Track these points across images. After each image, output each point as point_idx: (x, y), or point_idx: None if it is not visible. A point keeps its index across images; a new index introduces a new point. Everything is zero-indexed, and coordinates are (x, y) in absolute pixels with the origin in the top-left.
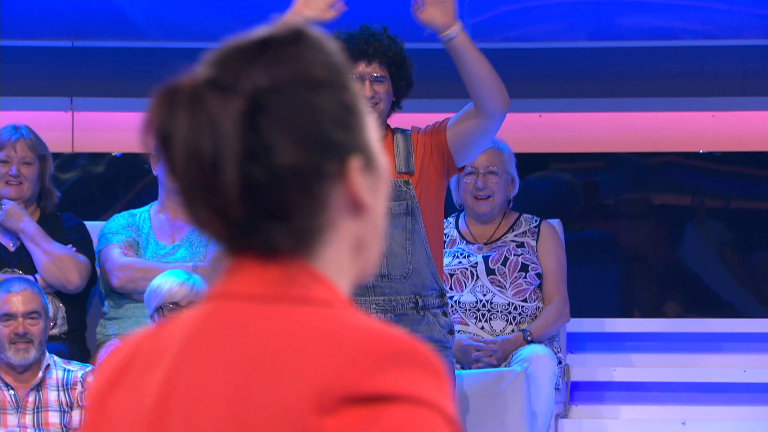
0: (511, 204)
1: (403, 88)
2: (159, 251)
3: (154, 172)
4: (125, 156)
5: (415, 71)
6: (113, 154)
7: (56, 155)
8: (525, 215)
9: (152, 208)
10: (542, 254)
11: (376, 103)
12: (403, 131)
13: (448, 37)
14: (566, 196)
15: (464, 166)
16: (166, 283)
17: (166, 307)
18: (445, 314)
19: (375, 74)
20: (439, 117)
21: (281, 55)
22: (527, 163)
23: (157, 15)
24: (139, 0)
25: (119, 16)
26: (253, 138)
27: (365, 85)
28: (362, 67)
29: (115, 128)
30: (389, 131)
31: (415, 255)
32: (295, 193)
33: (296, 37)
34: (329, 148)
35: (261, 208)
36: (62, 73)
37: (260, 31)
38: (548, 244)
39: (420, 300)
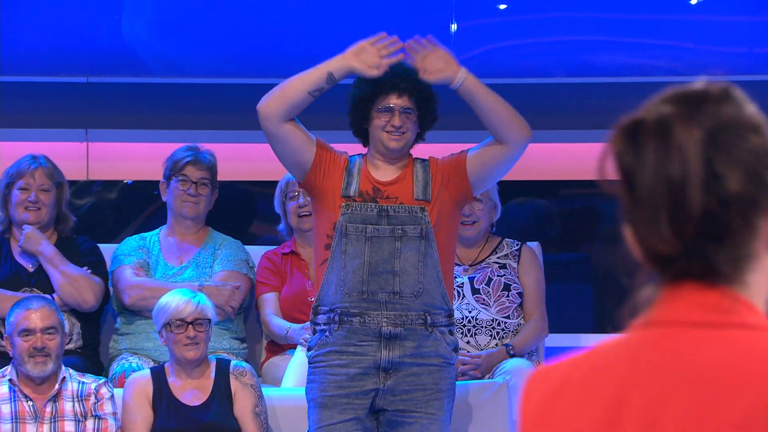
0: (494, 228)
1: (428, 121)
2: (168, 272)
3: (163, 198)
4: (136, 183)
5: (440, 107)
6: (125, 181)
7: (72, 182)
8: (507, 239)
9: (161, 231)
10: (523, 275)
11: (403, 133)
12: (423, 161)
13: (457, 85)
14: (544, 221)
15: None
16: (173, 300)
17: (173, 323)
18: (451, 333)
19: (405, 106)
20: (444, 147)
21: (724, 101)
22: (508, 190)
23: (164, 53)
24: (148, 40)
25: (130, 54)
26: (707, 166)
27: (395, 115)
28: (394, 99)
29: (127, 158)
30: (411, 160)
31: (427, 276)
32: (736, 220)
33: (728, 91)
34: (764, 184)
35: (706, 231)
36: (78, 107)
37: (696, 84)
38: (528, 265)
39: (429, 317)
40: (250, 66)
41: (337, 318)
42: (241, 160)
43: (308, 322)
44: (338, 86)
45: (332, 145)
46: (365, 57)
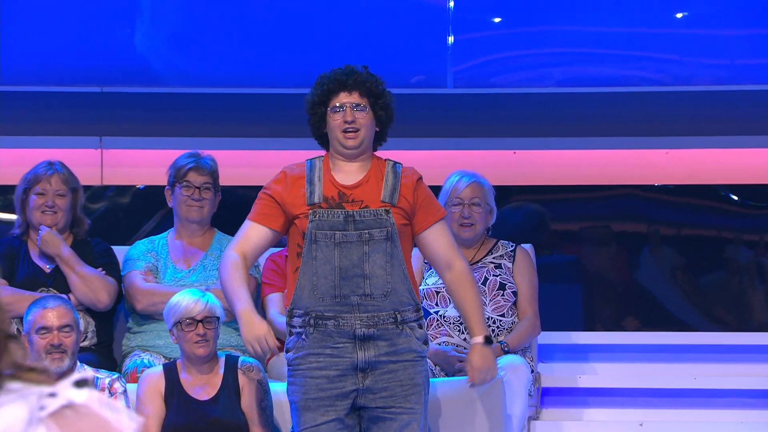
0: (490, 231)
1: (384, 119)
2: (176, 275)
3: (169, 205)
4: (148, 188)
5: (394, 104)
6: (137, 186)
7: (87, 188)
8: (502, 241)
9: (169, 234)
10: (517, 275)
11: (357, 129)
12: (395, 165)
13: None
14: (537, 224)
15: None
16: (184, 300)
17: (184, 322)
18: (420, 326)
19: (355, 102)
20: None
21: None
22: (503, 194)
23: (176, 64)
24: (160, 51)
25: (143, 65)
26: None
27: (346, 111)
28: (344, 97)
29: (139, 164)
30: (383, 161)
31: (394, 275)
32: None
33: None
34: None
35: None
36: (92, 116)
37: None
38: (522, 266)
39: (399, 315)
40: (257, 77)
41: (312, 321)
42: (247, 166)
43: None
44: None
45: (281, 171)
46: (251, 340)
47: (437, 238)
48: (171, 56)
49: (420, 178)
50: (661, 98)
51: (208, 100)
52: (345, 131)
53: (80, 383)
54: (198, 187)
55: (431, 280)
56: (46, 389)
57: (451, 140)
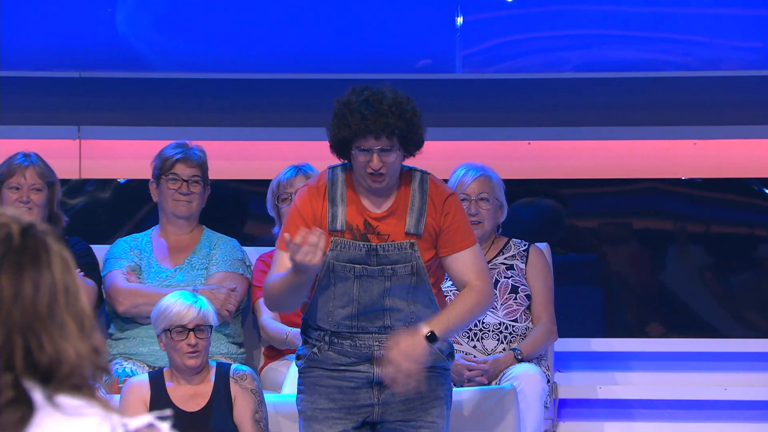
0: (500, 229)
1: (412, 146)
2: (160, 274)
3: (154, 199)
4: (131, 182)
5: (424, 130)
6: (119, 180)
7: (64, 181)
8: (514, 240)
9: (153, 231)
10: (531, 276)
11: (382, 174)
12: (423, 183)
13: (435, 345)
14: (553, 221)
15: None
16: (175, 305)
17: (174, 329)
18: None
19: (383, 147)
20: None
21: None
22: (515, 189)
23: (160, 47)
24: (144, 32)
25: (125, 48)
26: None
27: (373, 157)
28: (371, 142)
29: (121, 156)
30: (409, 175)
31: (418, 305)
32: None
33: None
34: None
35: None
36: (70, 103)
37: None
38: (536, 266)
39: None
40: (249, 61)
41: (327, 338)
42: (239, 158)
43: None
44: (338, 85)
45: (302, 187)
46: (300, 256)
47: (460, 265)
48: (156, 37)
49: (450, 195)
50: (687, 84)
51: (196, 85)
52: (371, 174)
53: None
54: (186, 180)
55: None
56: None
57: (458, 130)
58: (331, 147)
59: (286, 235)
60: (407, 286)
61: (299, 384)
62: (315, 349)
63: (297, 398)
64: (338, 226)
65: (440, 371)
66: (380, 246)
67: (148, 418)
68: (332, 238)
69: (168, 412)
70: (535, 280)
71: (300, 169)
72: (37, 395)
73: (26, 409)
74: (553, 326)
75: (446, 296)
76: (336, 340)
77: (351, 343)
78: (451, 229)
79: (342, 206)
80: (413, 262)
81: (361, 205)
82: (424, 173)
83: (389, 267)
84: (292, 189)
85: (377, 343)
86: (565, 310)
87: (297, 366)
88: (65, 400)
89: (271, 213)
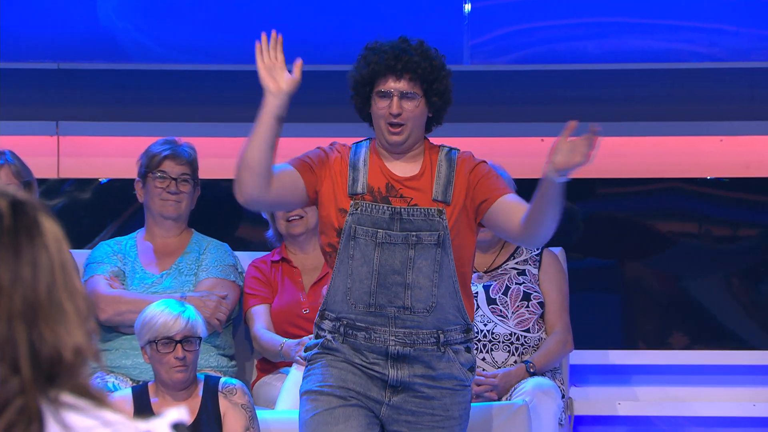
0: None
1: (438, 105)
2: (146, 280)
3: (140, 200)
4: (113, 182)
5: (452, 85)
6: (101, 180)
7: (41, 181)
8: None
9: (138, 235)
10: (544, 282)
11: (403, 124)
12: (450, 152)
13: (561, 179)
14: (568, 223)
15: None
16: (161, 315)
17: (160, 341)
18: (468, 350)
19: (404, 90)
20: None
21: None
22: (528, 189)
23: (148, 35)
24: (128, 19)
25: (107, 36)
26: None
27: (392, 101)
28: (391, 83)
29: (102, 153)
30: (436, 149)
31: (441, 288)
32: None
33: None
34: None
35: None
36: (47, 97)
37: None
38: (550, 271)
39: (442, 335)
40: (243, 51)
41: (342, 329)
42: (231, 156)
43: (305, 337)
44: (338, 74)
45: (332, 142)
46: (272, 72)
47: (509, 203)
48: (141, 25)
49: (478, 161)
50: (714, 76)
51: (186, 77)
52: (389, 124)
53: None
54: (175, 179)
55: None
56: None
57: (466, 125)
58: (352, 96)
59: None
60: (432, 260)
61: (307, 371)
62: (326, 341)
63: (302, 385)
64: (359, 189)
65: (458, 388)
66: (404, 210)
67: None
68: (352, 201)
69: (184, 417)
70: (549, 287)
71: None
72: (47, 409)
73: (37, 424)
74: (569, 336)
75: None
76: (350, 332)
77: (365, 335)
78: (487, 179)
79: (364, 169)
80: (440, 231)
81: (385, 168)
82: (453, 148)
83: (414, 234)
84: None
85: (393, 338)
86: (581, 319)
87: (305, 356)
88: (74, 417)
89: (265, 215)
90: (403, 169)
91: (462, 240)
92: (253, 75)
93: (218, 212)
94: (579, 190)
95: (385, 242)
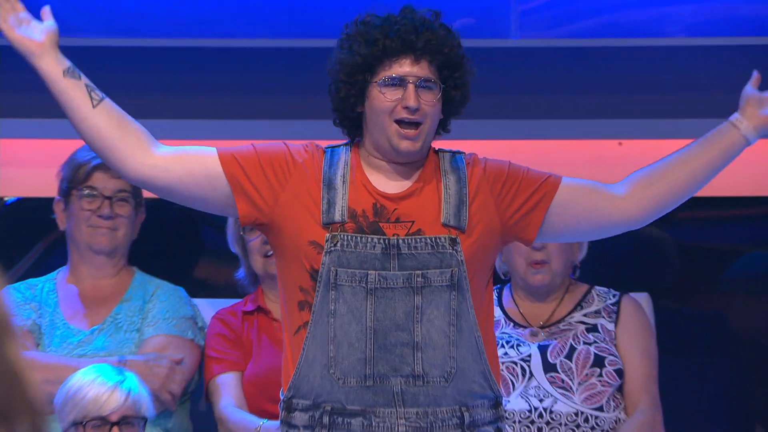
0: (578, 272)
1: (455, 102)
2: (70, 338)
3: (61, 226)
4: (22, 203)
5: (473, 79)
6: (4, 200)
7: None
8: (598, 288)
9: (59, 276)
10: (623, 342)
11: (420, 122)
12: (455, 156)
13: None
14: (657, 260)
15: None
16: (91, 387)
17: (89, 424)
18: (499, 431)
19: (424, 77)
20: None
21: None
22: None
23: (66, 5)
24: None
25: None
26: None
27: (408, 90)
28: (407, 66)
29: (8, 162)
30: (432, 158)
31: (462, 347)
32: None
33: None
34: None
35: None
36: None
37: None
38: (632, 327)
39: (467, 414)
40: (215, 23)
41: (325, 419)
42: None
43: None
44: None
45: (307, 143)
46: (20, 29)
47: (580, 189)
48: None
49: (492, 161)
50: None
51: (126, 56)
52: (401, 123)
53: None
54: (108, 198)
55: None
56: None
57: (515, 123)
58: (335, 89)
59: None
60: (446, 309)
61: None
62: None
63: None
64: (336, 216)
65: None
66: (403, 241)
67: None
68: (328, 234)
69: None
70: (631, 348)
71: None
72: None
73: None
74: (659, 416)
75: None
76: (339, 420)
77: (364, 423)
78: (521, 174)
79: (342, 188)
80: (454, 268)
81: (369, 183)
82: (456, 152)
83: (419, 273)
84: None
85: (403, 421)
86: (675, 394)
87: None
88: None
89: (234, 248)
90: (393, 182)
91: (481, 279)
92: (226, 54)
93: (170, 244)
94: (673, 214)
95: (380, 287)
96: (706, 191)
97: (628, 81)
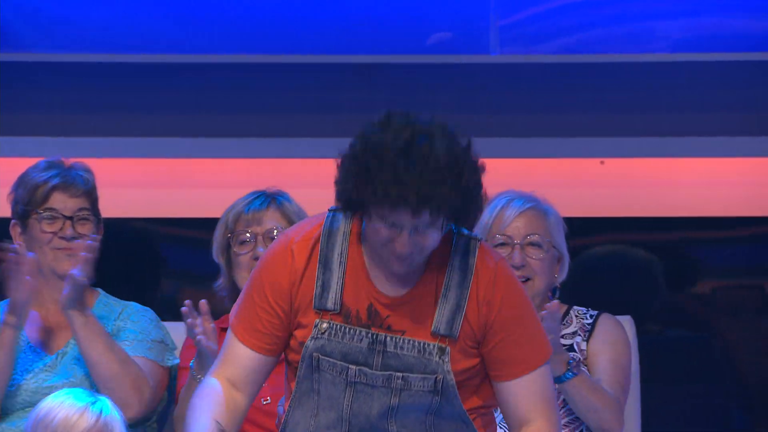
0: (558, 292)
1: (468, 220)
2: (34, 364)
3: (16, 246)
4: None
5: (485, 195)
6: None
7: None
8: (577, 308)
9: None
10: (592, 354)
11: (411, 258)
12: (467, 253)
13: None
14: (641, 281)
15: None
16: (60, 408)
17: None
18: None
19: (420, 224)
20: None
21: None
22: (582, 231)
23: (41, 17)
24: None
25: None
26: None
27: (402, 237)
28: (404, 217)
29: None
30: (449, 250)
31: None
32: None
33: None
34: None
35: None
36: None
37: None
38: (603, 341)
39: None
40: (189, 39)
41: None
42: (148, 183)
43: None
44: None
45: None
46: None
47: (519, 396)
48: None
49: (509, 274)
50: None
51: (89, 72)
52: (393, 255)
53: None
54: (70, 218)
55: None
56: None
57: (494, 141)
58: (338, 200)
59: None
60: (424, 411)
61: None
62: None
63: None
64: (328, 304)
65: None
66: (390, 339)
67: None
68: (318, 320)
69: None
70: (597, 359)
71: (274, 199)
72: None
73: None
74: (620, 414)
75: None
76: None
77: None
78: (511, 339)
79: (339, 274)
80: (438, 375)
81: (369, 283)
82: (472, 238)
83: (399, 376)
84: (260, 228)
85: None
86: (661, 418)
87: None
88: None
89: (217, 259)
90: (392, 285)
91: (478, 374)
92: (203, 69)
93: (130, 261)
94: (657, 235)
95: (360, 382)
96: (693, 211)
97: (610, 98)
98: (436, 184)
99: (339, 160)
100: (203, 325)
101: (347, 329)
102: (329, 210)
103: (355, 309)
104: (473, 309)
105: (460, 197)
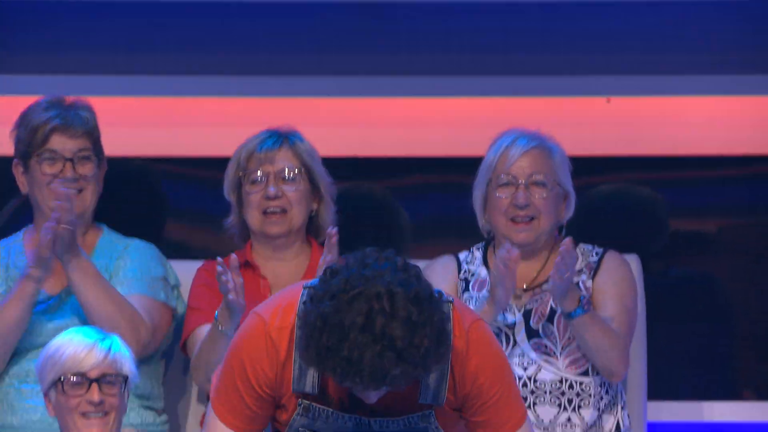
0: (564, 230)
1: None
2: (40, 301)
3: (23, 190)
4: None
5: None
6: None
7: None
8: (582, 246)
9: (26, 235)
10: (598, 292)
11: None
12: (443, 324)
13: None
14: (647, 220)
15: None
16: (70, 345)
17: (68, 381)
18: None
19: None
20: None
21: None
22: (588, 170)
23: None
24: None
25: None
26: None
27: (364, 394)
28: (362, 392)
29: None
30: None
31: None
32: None
33: None
34: None
35: None
36: None
37: None
38: (609, 279)
39: None
40: None
41: None
42: (152, 122)
43: None
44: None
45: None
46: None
47: None
48: None
49: (479, 338)
50: None
51: (84, 9)
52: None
53: None
54: (70, 159)
55: None
56: None
57: (501, 80)
58: (302, 359)
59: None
60: None
61: None
62: None
63: None
64: (308, 388)
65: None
66: (375, 423)
67: None
68: (299, 401)
69: None
70: (603, 297)
71: (287, 138)
72: None
73: None
74: (626, 356)
75: None
76: None
77: None
78: (489, 404)
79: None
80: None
81: None
82: (444, 302)
83: None
84: (272, 168)
85: None
86: (662, 357)
87: None
88: None
89: (228, 197)
90: None
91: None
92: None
93: (137, 203)
94: (664, 173)
95: None
96: (699, 150)
97: (617, 36)
98: (394, 365)
99: (300, 320)
100: (233, 279)
101: (330, 412)
102: (304, 287)
103: (338, 397)
104: (450, 378)
105: (421, 367)
